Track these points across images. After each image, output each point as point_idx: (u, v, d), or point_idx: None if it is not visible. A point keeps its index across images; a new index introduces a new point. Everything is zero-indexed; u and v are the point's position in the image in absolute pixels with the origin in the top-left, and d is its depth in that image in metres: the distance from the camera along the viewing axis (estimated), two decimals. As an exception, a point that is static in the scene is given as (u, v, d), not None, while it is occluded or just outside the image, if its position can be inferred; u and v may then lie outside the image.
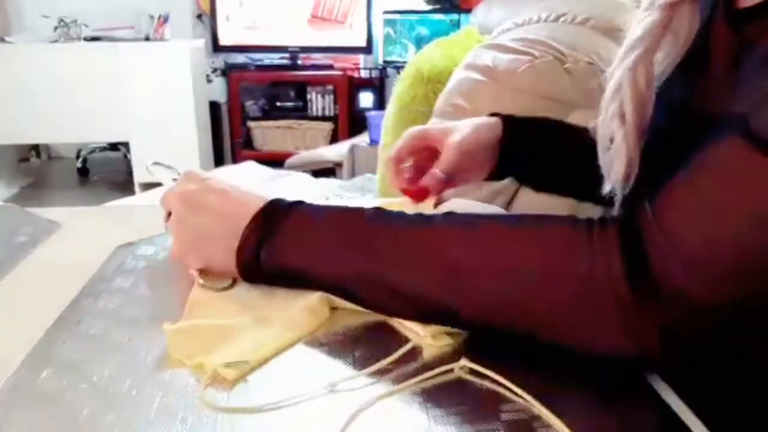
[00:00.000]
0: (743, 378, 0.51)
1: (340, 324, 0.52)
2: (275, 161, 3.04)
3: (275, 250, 0.53)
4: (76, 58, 3.51)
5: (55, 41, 3.67)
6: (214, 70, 4.20)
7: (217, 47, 4.06)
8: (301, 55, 4.09)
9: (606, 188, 0.56)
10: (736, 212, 0.41)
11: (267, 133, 4.07)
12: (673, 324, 0.42)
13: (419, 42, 3.73)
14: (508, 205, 1.18)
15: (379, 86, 4.12)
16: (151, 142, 3.50)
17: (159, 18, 3.77)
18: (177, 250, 0.58)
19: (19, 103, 3.43)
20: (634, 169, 0.54)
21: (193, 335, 0.48)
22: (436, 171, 0.67)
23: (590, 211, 0.82)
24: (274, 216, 0.54)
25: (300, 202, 0.55)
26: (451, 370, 0.45)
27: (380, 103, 3.96)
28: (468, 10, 3.15)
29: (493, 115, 0.73)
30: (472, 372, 0.45)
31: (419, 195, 0.68)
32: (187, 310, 0.53)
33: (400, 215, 0.53)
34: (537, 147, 0.74)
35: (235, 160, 3.99)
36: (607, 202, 0.58)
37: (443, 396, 0.43)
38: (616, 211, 0.56)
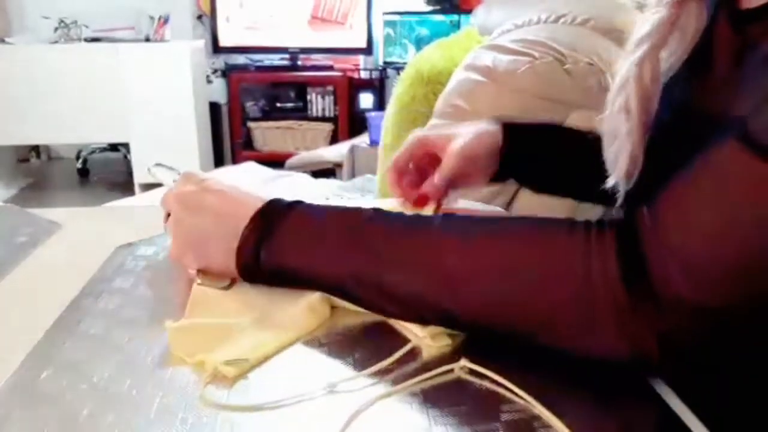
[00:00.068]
0: (743, 378, 0.51)
1: (340, 324, 0.52)
2: (275, 162, 3.04)
3: (274, 251, 0.53)
4: (77, 59, 3.51)
5: (56, 42, 3.67)
6: (215, 71, 4.20)
7: (217, 48, 4.06)
8: (301, 56, 4.10)
9: (610, 182, 0.56)
10: (736, 215, 0.41)
11: (267, 134, 4.08)
12: (670, 328, 0.42)
13: (419, 43, 3.74)
14: (508, 205, 1.18)
15: (379, 87, 4.12)
16: (151, 143, 3.50)
17: (159, 19, 3.77)
18: (175, 251, 0.58)
19: (20, 104, 3.42)
20: (638, 164, 0.54)
21: (194, 333, 0.49)
22: (436, 180, 0.68)
23: (590, 211, 0.82)
24: (273, 216, 0.54)
25: (299, 203, 0.55)
26: (451, 370, 0.45)
27: (380, 104, 3.97)
28: (468, 11, 3.16)
29: (494, 120, 0.73)
30: (472, 372, 0.45)
31: (419, 202, 0.68)
32: (189, 309, 0.53)
33: (399, 216, 0.53)
34: (537, 152, 0.74)
35: (235, 160, 3.99)
36: (607, 202, 0.58)
37: (443, 396, 0.43)
38: (616, 209, 0.56)
